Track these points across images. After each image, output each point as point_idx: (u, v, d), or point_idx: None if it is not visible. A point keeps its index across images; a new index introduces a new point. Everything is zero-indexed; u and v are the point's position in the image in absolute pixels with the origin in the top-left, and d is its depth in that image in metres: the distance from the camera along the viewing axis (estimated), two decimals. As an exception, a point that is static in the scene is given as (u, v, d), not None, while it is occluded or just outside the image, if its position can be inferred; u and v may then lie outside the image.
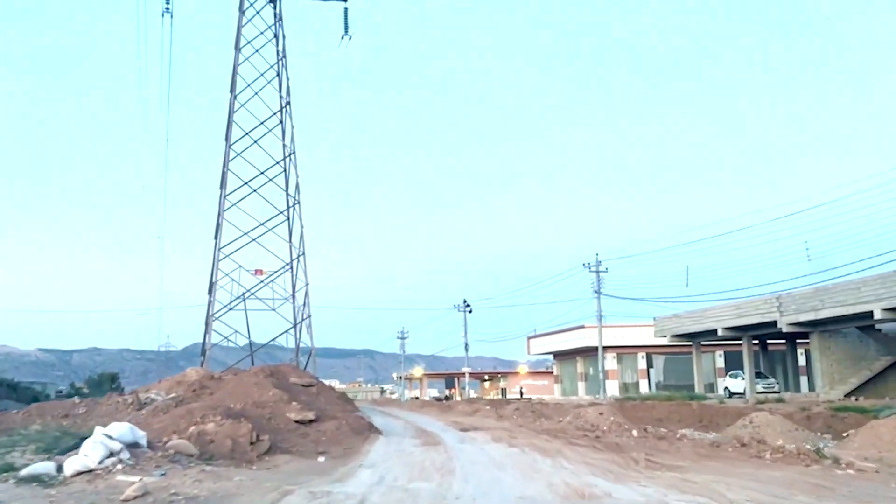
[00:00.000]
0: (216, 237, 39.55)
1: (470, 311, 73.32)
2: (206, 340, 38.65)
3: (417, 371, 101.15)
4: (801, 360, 50.95)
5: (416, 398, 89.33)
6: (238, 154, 39.54)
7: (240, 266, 38.54)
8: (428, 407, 44.04)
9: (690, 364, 61.02)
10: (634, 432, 21.97)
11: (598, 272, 54.70)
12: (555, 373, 69.39)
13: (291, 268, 39.82)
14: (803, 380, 50.77)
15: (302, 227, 40.19)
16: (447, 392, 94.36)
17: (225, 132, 39.86)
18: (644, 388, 60.67)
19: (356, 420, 23.08)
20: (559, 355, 67.80)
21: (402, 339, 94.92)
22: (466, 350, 72.88)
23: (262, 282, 39.05)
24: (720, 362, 60.85)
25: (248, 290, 38.56)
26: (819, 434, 19.88)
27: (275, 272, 39.46)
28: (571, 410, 41.30)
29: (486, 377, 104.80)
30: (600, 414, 26.45)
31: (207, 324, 38.13)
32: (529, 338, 69.40)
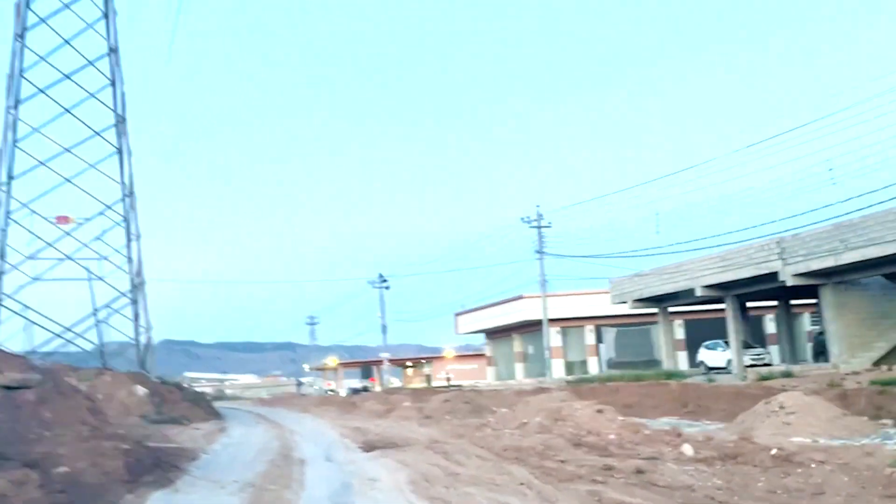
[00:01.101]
0: (5, 175, 26.71)
1: (387, 287, 62.13)
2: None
3: (332, 361, 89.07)
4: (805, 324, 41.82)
5: (332, 392, 77.32)
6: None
7: (29, 209, 25.99)
8: (328, 404, 32.30)
9: (647, 336, 51.35)
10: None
11: (539, 227, 44.21)
12: (488, 354, 58.85)
13: (125, 206, 27.40)
14: (804, 349, 41.62)
15: (130, 161, 27.83)
16: (364, 383, 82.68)
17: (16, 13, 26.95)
18: (593, 366, 50.70)
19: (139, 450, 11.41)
20: (493, 333, 57.20)
21: (312, 324, 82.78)
22: (384, 332, 61.70)
23: (68, 233, 26.54)
24: (679, 333, 51.38)
25: (48, 244, 25.95)
26: (877, 420, 14.05)
27: (88, 219, 27.03)
28: (518, 399, 29.72)
29: (409, 363, 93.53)
30: (598, 412, 15.43)
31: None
32: (457, 314, 58.56)
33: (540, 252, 43.72)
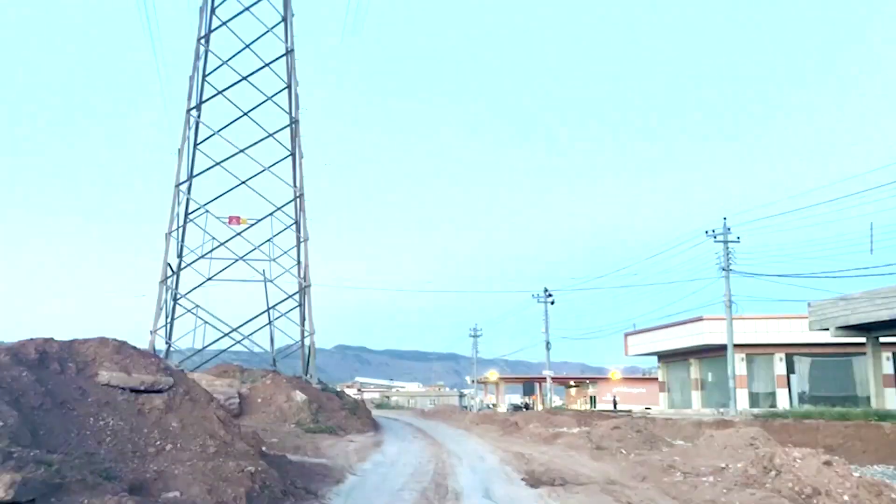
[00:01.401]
0: (185, 175, 27.11)
1: (552, 302, 59.19)
2: (165, 325, 26.24)
3: (492, 375, 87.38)
4: None
5: (493, 406, 75.47)
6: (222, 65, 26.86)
7: (204, 209, 26.05)
8: (489, 422, 30.18)
9: (846, 369, 45.11)
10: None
11: (725, 242, 39.74)
12: (660, 379, 54.41)
13: (296, 207, 26.97)
14: None
15: (301, 156, 27.32)
16: (526, 399, 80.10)
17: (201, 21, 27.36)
18: (783, 399, 45.04)
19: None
20: (666, 357, 52.77)
21: (475, 336, 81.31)
22: (548, 348, 58.69)
23: (238, 234, 26.38)
24: (888, 367, 44.55)
25: (220, 243, 25.92)
26: None
27: (258, 220, 26.76)
28: (697, 432, 28.75)
29: (572, 383, 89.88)
30: (825, 464, 12.09)
31: (162, 297, 25.64)
32: (627, 334, 54.60)
33: (726, 269, 39.25)
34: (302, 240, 27.36)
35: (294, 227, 28.71)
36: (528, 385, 75.68)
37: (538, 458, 18.55)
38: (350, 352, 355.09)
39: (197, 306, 26.99)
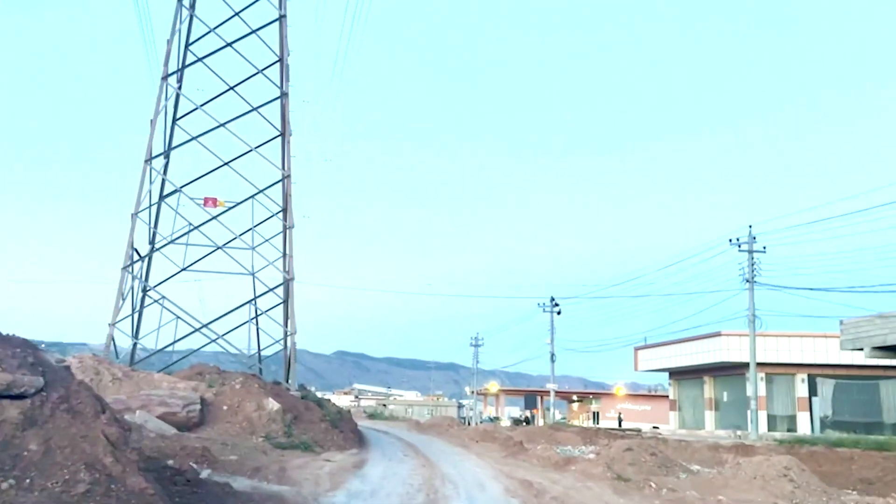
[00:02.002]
0: (159, 150, 23.98)
1: (559, 313, 55.93)
2: (131, 319, 23.02)
3: (492, 386, 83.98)
4: None
5: (495, 419, 71.86)
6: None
7: (178, 189, 22.93)
8: (490, 440, 26.84)
9: (874, 393, 41.77)
10: None
11: (751, 252, 36.50)
12: (671, 397, 50.98)
13: (283, 191, 23.86)
14: None
15: (290, 134, 24.21)
16: (527, 413, 76.62)
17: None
18: (803, 424, 41.69)
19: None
20: (678, 374, 49.38)
21: (476, 346, 78.01)
22: (552, 360, 55.38)
23: (214, 217, 23.22)
24: (918, 393, 41.19)
25: (193, 227, 22.74)
26: None
27: (237, 203, 23.62)
28: (716, 456, 26.59)
29: (576, 397, 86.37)
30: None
31: (125, 285, 22.43)
32: (638, 349, 51.24)
33: (750, 280, 35.98)
34: (287, 227, 24.16)
35: (281, 214, 25.53)
36: (531, 398, 72.27)
37: (550, 489, 15.28)
38: (349, 358, 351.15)
39: (163, 297, 23.81)
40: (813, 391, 42.34)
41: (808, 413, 42.04)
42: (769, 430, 40.31)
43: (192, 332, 22.70)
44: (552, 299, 55.77)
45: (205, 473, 11.90)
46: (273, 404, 19.27)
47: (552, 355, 55.43)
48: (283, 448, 17.30)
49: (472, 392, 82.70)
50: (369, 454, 19.74)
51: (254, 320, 25.59)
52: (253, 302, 23.91)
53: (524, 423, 66.61)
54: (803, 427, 41.31)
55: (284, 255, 24.98)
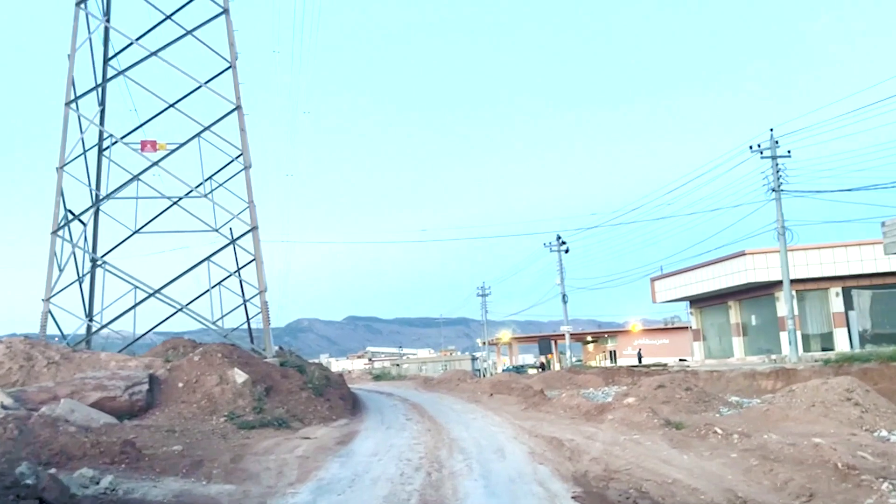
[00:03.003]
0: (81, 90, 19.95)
1: (566, 251, 52.21)
2: (81, 294, 19.32)
3: (504, 335, 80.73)
4: None
5: (521, 367, 68.39)
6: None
7: (107, 133, 19.05)
8: (506, 391, 23.25)
9: (917, 302, 38.24)
10: None
11: (774, 157, 32.50)
12: (693, 326, 47.46)
13: (239, 124, 19.93)
14: None
15: (236, 57, 20.16)
16: (542, 359, 73.52)
17: None
18: (842, 341, 38.16)
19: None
20: (700, 301, 45.75)
21: (484, 295, 74.55)
22: (564, 301, 51.79)
23: (156, 163, 19.29)
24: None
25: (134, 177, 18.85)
26: None
27: (181, 144, 19.69)
28: (753, 385, 25.73)
29: (589, 338, 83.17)
30: None
31: (56, 252, 18.63)
32: (654, 279, 47.57)
33: (776, 189, 32.06)
34: (246, 167, 20.24)
35: (239, 155, 21.62)
36: (545, 343, 69.10)
37: (587, 448, 11.69)
38: (361, 322, 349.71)
39: (103, 262, 19.99)
40: (849, 305, 38.70)
41: (846, 329, 38.47)
42: (804, 351, 36.85)
43: (143, 300, 18.95)
44: (558, 237, 52.03)
45: (105, 481, 8.30)
46: (239, 376, 15.65)
47: (563, 296, 51.85)
48: (250, 428, 13.73)
49: (484, 343, 79.59)
50: (362, 424, 16.18)
51: (220, 283, 21.88)
52: (209, 259, 20.10)
53: (540, 369, 63.48)
54: (841, 344, 37.80)
55: (251, 203, 21.15)
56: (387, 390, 30.67)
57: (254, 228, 19.60)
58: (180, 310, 20.39)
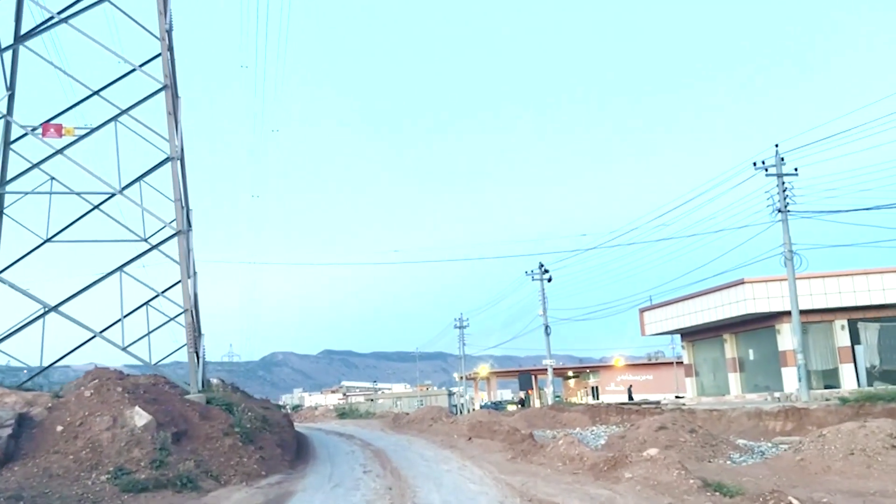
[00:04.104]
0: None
1: (549, 280, 48.72)
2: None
3: (483, 369, 76.69)
4: None
5: (500, 404, 64.27)
6: None
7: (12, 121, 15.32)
8: (486, 436, 19.33)
9: (927, 336, 35.08)
10: None
11: (780, 175, 29.40)
12: (686, 361, 43.96)
13: (169, 105, 16.20)
14: None
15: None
16: (521, 394, 69.51)
17: None
18: (848, 378, 34.83)
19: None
20: (692, 334, 42.34)
21: (462, 327, 70.72)
22: (547, 333, 48.12)
23: (59, 152, 15.45)
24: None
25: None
26: None
27: (95, 129, 15.91)
28: (756, 425, 22.47)
29: (571, 373, 79.35)
30: None
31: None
32: (643, 310, 44.12)
33: (782, 210, 28.90)
34: (173, 158, 16.43)
35: (170, 150, 17.82)
36: (525, 377, 65.12)
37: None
38: (337, 356, 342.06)
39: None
40: (855, 339, 35.47)
41: (853, 364, 35.16)
42: (808, 389, 33.43)
43: (34, 318, 15.00)
44: (541, 265, 48.55)
45: None
46: (140, 417, 11.73)
47: (546, 328, 48.18)
48: (140, 490, 9.84)
49: (461, 378, 75.49)
50: (302, 481, 12.27)
51: (148, 303, 17.94)
52: (123, 270, 16.18)
53: (519, 406, 59.51)
54: (848, 382, 34.46)
55: (178, 201, 17.30)
56: (349, 431, 26.53)
57: (179, 233, 15.77)
58: (94, 336, 16.45)
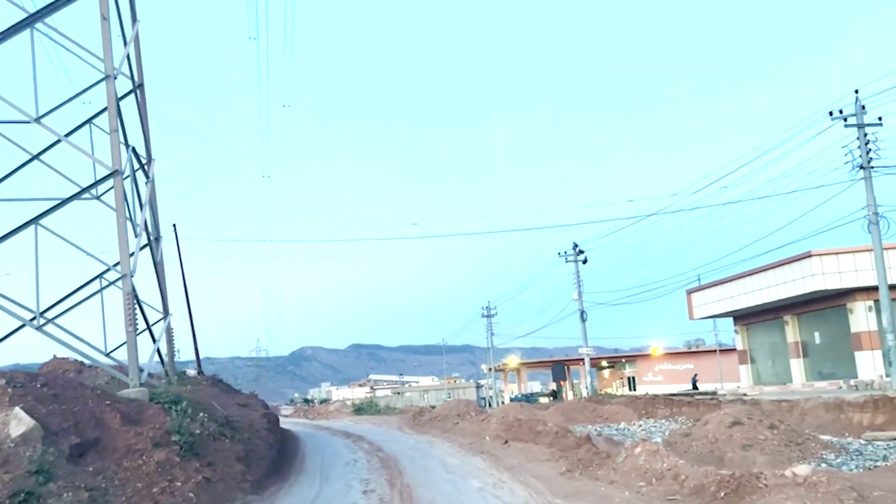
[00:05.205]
0: None
1: (584, 262, 44.29)
2: None
3: (511, 360, 72.22)
4: None
5: (532, 396, 59.79)
6: None
7: None
8: (526, 438, 15.03)
9: None
10: None
11: (861, 126, 24.70)
12: (740, 347, 39.23)
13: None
14: None
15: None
16: (552, 386, 65.09)
17: None
18: (933, 362, 29.77)
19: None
20: (746, 317, 37.55)
21: (489, 316, 66.46)
22: (583, 320, 43.68)
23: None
24: None
25: None
26: None
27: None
28: (845, 418, 18.93)
29: (605, 363, 74.61)
30: None
31: None
32: (690, 291, 39.44)
33: (865, 167, 24.23)
34: (105, 75, 12.42)
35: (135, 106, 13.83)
36: (558, 368, 60.63)
37: None
38: (365, 350, 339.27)
39: None
40: (941, 318, 30.50)
41: (939, 347, 30.20)
42: (886, 374, 28.68)
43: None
44: (575, 245, 44.11)
45: None
46: (17, 423, 7.70)
47: (582, 313, 43.77)
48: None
49: (490, 369, 71.22)
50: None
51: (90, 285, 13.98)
52: (37, 222, 12.19)
53: (552, 398, 55.17)
54: (932, 367, 29.57)
55: (145, 174, 13.27)
56: (360, 431, 22.30)
57: (115, 173, 11.66)
58: (30, 321, 12.52)
